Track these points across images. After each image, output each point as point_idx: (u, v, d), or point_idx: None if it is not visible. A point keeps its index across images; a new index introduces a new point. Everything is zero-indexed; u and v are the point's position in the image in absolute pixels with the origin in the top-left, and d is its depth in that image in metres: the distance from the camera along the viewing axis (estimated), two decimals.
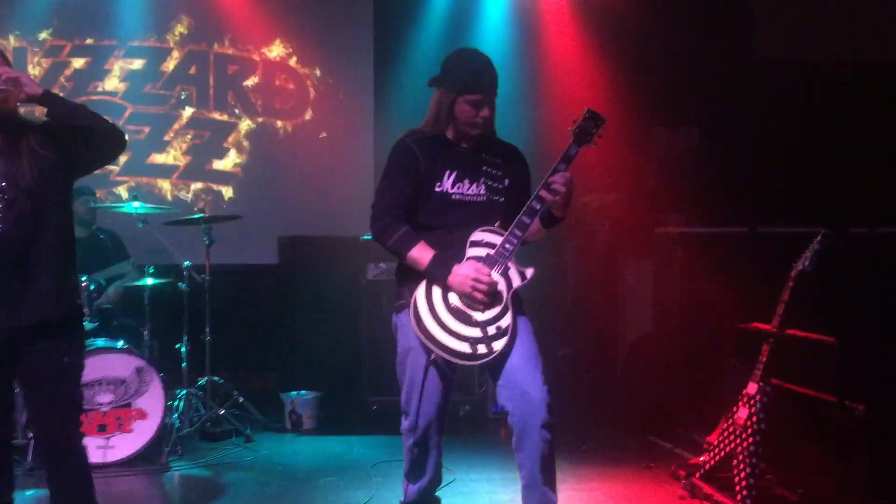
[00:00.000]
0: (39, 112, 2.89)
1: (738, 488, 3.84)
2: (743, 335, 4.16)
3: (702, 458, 4.13)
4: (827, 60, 6.32)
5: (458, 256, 3.08)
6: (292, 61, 6.68)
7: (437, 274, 3.05)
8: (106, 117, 2.92)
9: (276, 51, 6.65)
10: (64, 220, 2.91)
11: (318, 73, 6.70)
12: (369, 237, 5.53)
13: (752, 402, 3.91)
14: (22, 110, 2.91)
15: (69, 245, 2.94)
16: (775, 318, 3.94)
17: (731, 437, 3.97)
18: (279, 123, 6.69)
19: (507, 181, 3.19)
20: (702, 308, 5.10)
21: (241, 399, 5.33)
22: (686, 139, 6.39)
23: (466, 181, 3.14)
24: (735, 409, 3.99)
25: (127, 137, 2.96)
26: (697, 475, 4.11)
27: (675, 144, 6.43)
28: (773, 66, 6.36)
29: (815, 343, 3.97)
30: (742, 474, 3.87)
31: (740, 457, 3.90)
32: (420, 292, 3.09)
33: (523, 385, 3.04)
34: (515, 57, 6.38)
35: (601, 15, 6.36)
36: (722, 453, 4.01)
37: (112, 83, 6.44)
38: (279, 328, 6.25)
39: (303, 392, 5.43)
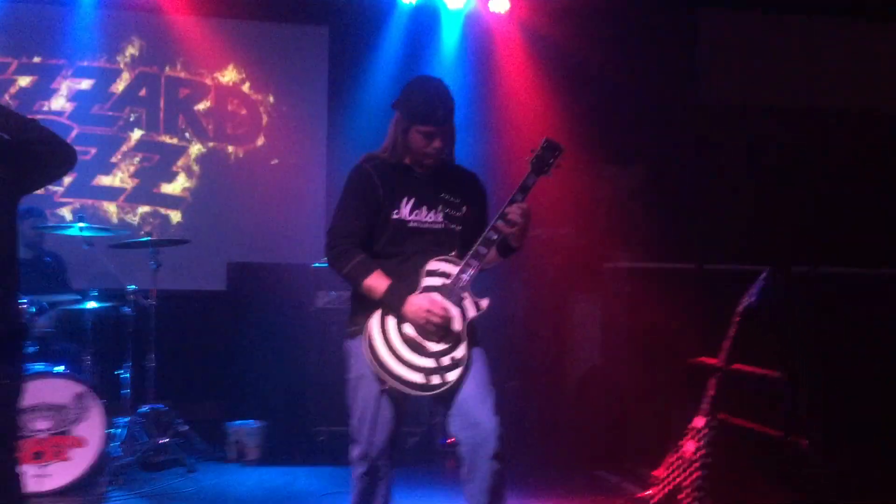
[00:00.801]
0: None
1: None
2: (691, 369, 4.22)
3: (648, 492, 4.15)
4: (767, 105, 6.53)
5: (414, 285, 3.06)
6: (245, 87, 6.64)
7: (392, 303, 3.03)
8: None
9: (229, 76, 6.61)
10: (9, 238, 2.82)
11: (271, 99, 6.67)
12: (319, 265, 5.54)
13: (699, 435, 3.96)
14: None
15: (13, 263, 2.85)
16: (722, 352, 4.00)
17: (678, 470, 4.00)
18: (231, 148, 6.63)
19: (464, 209, 3.18)
20: (650, 342, 5.16)
21: (185, 428, 5.20)
22: (633, 176, 6.50)
23: (424, 208, 3.13)
24: (682, 442, 4.02)
25: (76, 152, 2.89)
26: None
27: (623, 182, 6.54)
28: (717, 110, 6.55)
29: (761, 378, 4.04)
30: None
31: (687, 490, 3.93)
32: (374, 321, 3.06)
33: (475, 415, 3.02)
34: (469, 87, 6.45)
35: (553, 50, 6.48)
36: (669, 487, 4.03)
37: (59, 103, 6.32)
38: (226, 356, 6.14)
39: (248, 421, 5.33)
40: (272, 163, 6.66)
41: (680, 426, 4.07)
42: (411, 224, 3.11)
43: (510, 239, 3.08)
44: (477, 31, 6.62)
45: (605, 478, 5.00)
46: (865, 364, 4.82)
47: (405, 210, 3.10)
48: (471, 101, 6.38)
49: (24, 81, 6.28)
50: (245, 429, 5.26)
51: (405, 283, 3.05)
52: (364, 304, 3.10)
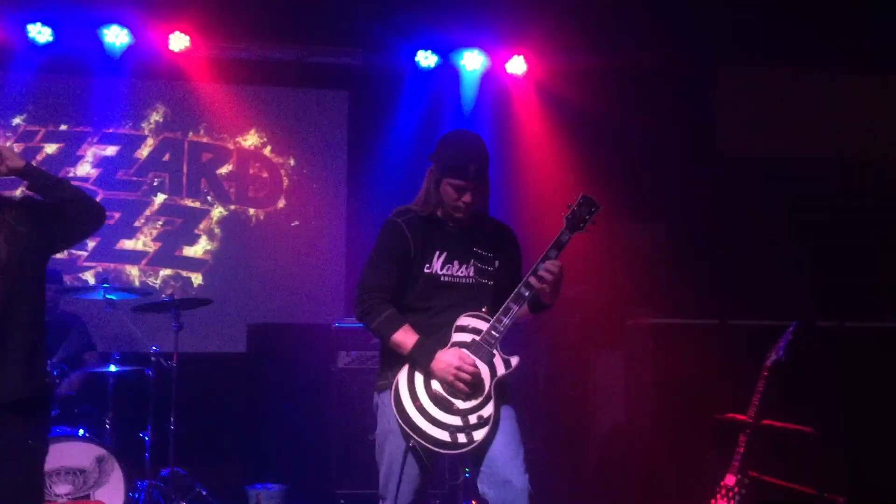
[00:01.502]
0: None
1: None
2: (719, 426, 4.14)
3: None
4: (789, 156, 6.51)
5: (443, 341, 3.03)
6: (267, 150, 6.74)
7: (420, 359, 3.00)
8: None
9: (250, 140, 6.71)
10: (38, 297, 2.85)
11: (292, 162, 6.76)
12: (341, 325, 5.53)
13: (730, 494, 3.86)
14: None
15: (41, 324, 2.87)
16: (751, 408, 3.94)
17: None
18: (252, 211, 6.69)
19: (497, 263, 3.16)
20: (675, 399, 5.08)
21: (204, 492, 5.13)
22: (654, 233, 6.48)
23: (456, 262, 3.10)
24: (713, 502, 3.93)
25: (105, 210, 2.93)
26: None
27: (644, 238, 6.52)
28: (736, 162, 6.54)
29: (792, 433, 3.96)
30: None
31: None
32: (402, 376, 3.04)
33: (505, 473, 2.98)
34: (488, 146, 6.48)
35: (571, 110, 6.53)
36: None
37: (84, 169, 6.42)
38: (246, 417, 6.09)
39: (269, 484, 5.26)
40: (293, 224, 6.70)
41: (711, 485, 3.98)
42: (443, 279, 3.09)
43: (542, 296, 3.05)
44: (495, 93, 6.70)
45: None
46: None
47: (437, 264, 3.08)
48: (491, 161, 6.42)
49: (50, 149, 6.39)
50: (266, 492, 5.19)
51: (434, 338, 3.03)
52: (393, 359, 3.08)
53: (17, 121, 6.33)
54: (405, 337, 3.02)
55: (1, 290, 2.75)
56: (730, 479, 3.89)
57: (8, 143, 6.29)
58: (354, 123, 6.77)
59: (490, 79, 6.69)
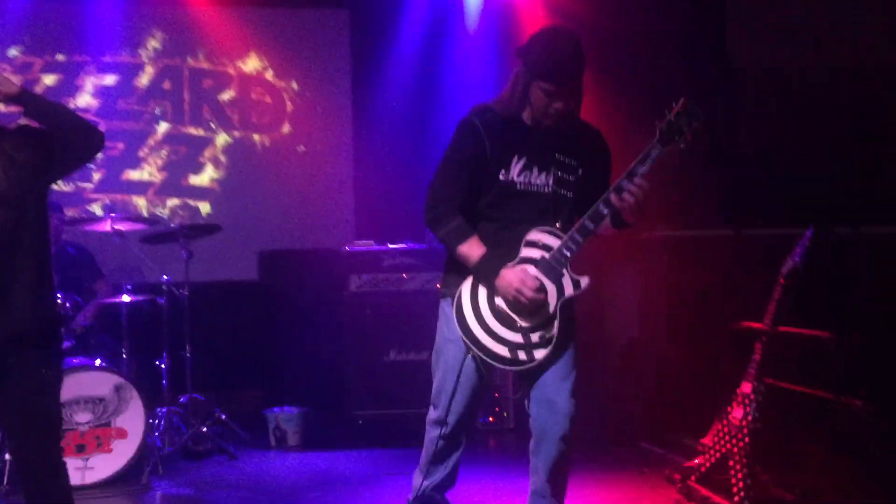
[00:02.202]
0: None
1: (734, 490, 3.78)
2: (735, 335, 4.12)
3: (697, 461, 4.07)
4: (802, 66, 6.35)
5: (511, 255, 2.89)
6: (268, 74, 6.60)
7: (485, 273, 2.88)
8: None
9: (251, 64, 6.57)
10: (42, 227, 2.80)
11: (295, 86, 6.63)
12: (352, 248, 5.50)
13: (746, 401, 3.86)
14: None
15: (46, 254, 2.83)
16: (767, 315, 3.90)
17: (727, 437, 3.91)
18: (256, 137, 6.60)
19: (580, 171, 2.92)
20: (691, 311, 5.06)
21: (224, 416, 5.19)
22: None
23: (535, 169, 2.89)
24: (729, 409, 3.94)
25: (104, 135, 2.86)
26: (693, 478, 4.04)
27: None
28: (748, 73, 6.38)
29: (809, 339, 3.94)
30: (739, 475, 3.81)
31: (736, 457, 3.84)
32: (466, 288, 2.94)
33: (551, 393, 2.94)
34: (494, 65, 6.36)
35: (578, 25, 6.26)
36: (717, 455, 3.94)
37: (84, 99, 6.32)
38: (261, 343, 6.13)
39: (287, 408, 5.31)
40: (299, 149, 6.62)
41: (727, 393, 3.98)
42: (519, 186, 2.90)
43: (624, 213, 2.81)
44: (499, 8, 6.51)
45: (650, 449, 4.91)
46: None
47: (514, 171, 2.89)
48: (493, 78, 6.29)
49: (49, 80, 6.29)
50: (284, 415, 5.24)
51: (502, 251, 2.89)
52: (459, 266, 2.97)
53: (13, 52, 6.22)
54: (472, 249, 2.88)
55: (2, 219, 2.70)
56: (746, 387, 3.88)
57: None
58: (356, 43, 6.62)
59: None
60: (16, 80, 2.80)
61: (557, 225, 2.89)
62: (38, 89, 6.24)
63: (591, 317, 6.00)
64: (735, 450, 3.84)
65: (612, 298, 5.77)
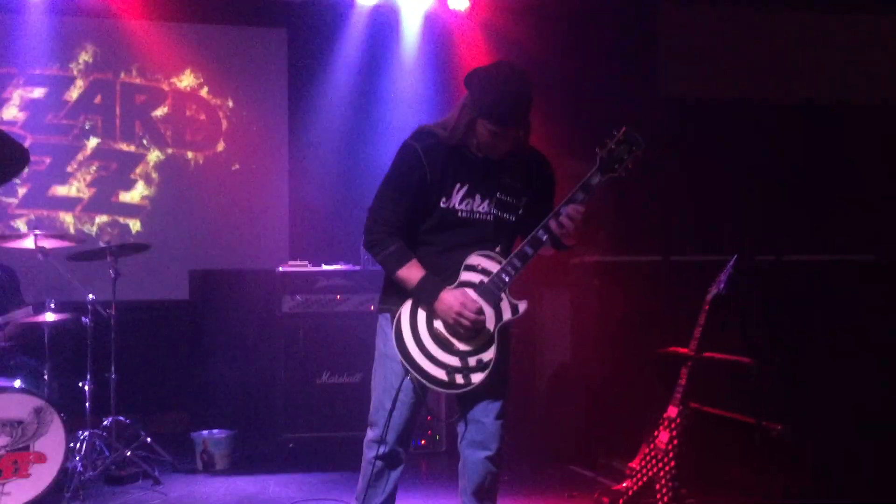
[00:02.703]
0: None
1: None
2: (662, 360, 4.20)
3: (624, 485, 4.12)
4: (729, 98, 6.55)
5: (451, 279, 2.89)
6: (203, 91, 6.53)
7: (424, 296, 2.88)
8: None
9: (186, 81, 6.49)
10: None
11: (230, 103, 6.57)
12: (285, 269, 5.45)
13: (672, 425, 3.94)
14: None
15: None
16: (692, 341, 4.00)
17: (653, 461, 3.98)
18: (190, 154, 6.51)
19: (525, 198, 2.94)
20: (620, 335, 5.14)
21: (149, 439, 5.07)
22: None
23: (478, 197, 2.90)
24: (656, 433, 4.00)
25: (28, 154, 2.79)
26: (620, 501, 4.09)
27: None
28: (677, 103, 6.56)
29: (732, 364, 4.03)
30: (665, 499, 3.87)
31: (662, 481, 3.91)
32: (405, 309, 2.93)
33: (479, 414, 2.97)
34: (430, 85, 6.42)
35: (514, 49, 6.41)
36: (644, 478, 4.01)
37: (11, 112, 6.16)
38: (191, 365, 6.01)
39: (215, 430, 5.21)
40: (233, 168, 6.55)
41: (652, 418, 4.05)
42: (460, 214, 2.90)
43: (563, 238, 2.86)
44: (437, 30, 6.57)
45: (579, 472, 4.96)
46: (833, 348, 4.84)
47: (455, 198, 2.89)
48: (431, 100, 6.34)
49: None
50: (212, 438, 5.14)
51: (441, 276, 2.89)
52: (398, 285, 2.94)
53: None
54: (411, 273, 2.87)
55: None
56: (672, 411, 3.96)
57: None
58: (294, 63, 6.59)
59: (433, 16, 6.55)
60: None
61: (497, 249, 2.90)
62: None
63: (523, 338, 6.06)
64: (661, 473, 3.91)
65: (544, 321, 5.83)
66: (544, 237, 2.82)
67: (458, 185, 2.88)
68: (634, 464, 4.09)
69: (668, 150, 6.21)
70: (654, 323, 4.87)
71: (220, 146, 6.55)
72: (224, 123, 6.56)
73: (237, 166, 6.55)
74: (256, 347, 5.65)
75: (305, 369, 5.26)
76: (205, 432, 5.19)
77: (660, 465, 3.93)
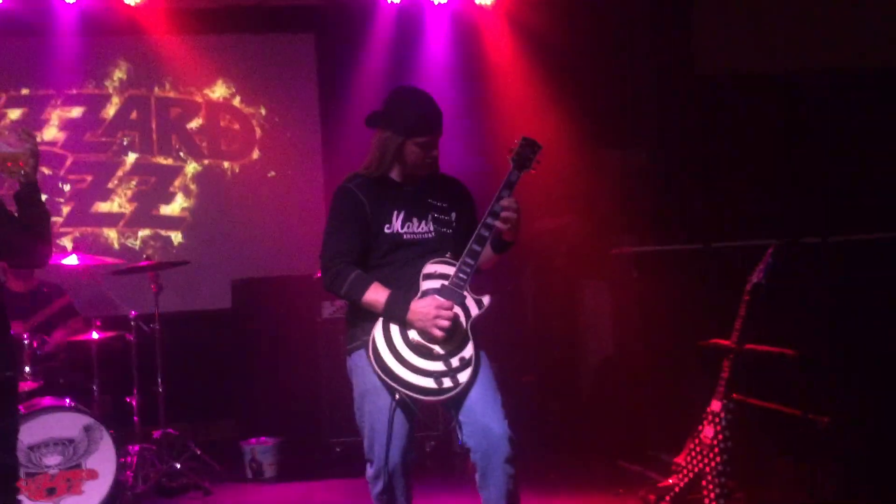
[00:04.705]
0: None
1: None
2: (704, 352, 4.12)
3: (671, 481, 4.06)
4: (769, 72, 6.37)
5: (413, 292, 3.02)
6: (236, 101, 6.58)
7: (396, 312, 2.98)
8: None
9: (218, 91, 6.55)
10: None
11: (263, 111, 6.61)
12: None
13: (716, 419, 3.87)
14: None
15: None
16: (734, 333, 3.91)
17: (699, 456, 3.91)
18: (226, 164, 6.57)
19: (453, 214, 3.17)
20: (662, 327, 5.06)
21: (198, 451, 5.15)
22: (634, 160, 6.38)
23: (415, 219, 3.10)
24: (701, 427, 3.94)
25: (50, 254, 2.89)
26: (667, 498, 4.03)
27: (624, 166, 6.42)
28: (715, 81, 6.40)
29: (775, 356, 3.94)
30: (712, 494, 3.81)
31: (709, 476, 3.84)
32: (377, 332, 3.00)
33: (484, 420, 2.99)
34: (460, 80, 6.37)
35: (543, 39, 6.35)
36: (691, 474, 3.94)
37: (51, 133, 6.29)
38: (236, 374, 6.08)
39: (262, 439, 5.27)
40: (269, 175, 6.59)
41: (698, 410, 3.98)
42: (406, 237, 3.09)
43: (503, 233, 3.06)
44: (464, 26, 6.51)
45: (626, 468, 4.90)
46: (883, 335, 4.67)
47: (397, 224, 3.08)
48: (462, 95, 6.29)
49: (14, 114, 6.25)
50: (260, 447, 5.20)
51: (403, 289, 3.01)
52: (361, 319, 3.06)
53: None
54: (377, 294, 2.99)
55: None
56: (715, 405, 3.88)
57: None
58: (322, 66, 6.60)
59: (459, 12, 6.49)
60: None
61: (448, 255, 3.10)
62: (4, 124, 6.21)
63: (565, 334, 6.01)
64: (707, 469, 3.84)
65: (585, 315, 5.78)
66: (487, 233, 3.03)
67: (395, 212, 3.08)
68: (680, 459, 4.02)
69: (705, 132, 6.07)
70: (698, 313, 4.77)
71: (255, 154, 6.60)
72: (258, 131, 6.61)
73: (273, 173, 6.59)
74: (299, 353, 5.68)
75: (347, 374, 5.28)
76: (252, 441, 5.26)
77: (706, 460, 3.86)
